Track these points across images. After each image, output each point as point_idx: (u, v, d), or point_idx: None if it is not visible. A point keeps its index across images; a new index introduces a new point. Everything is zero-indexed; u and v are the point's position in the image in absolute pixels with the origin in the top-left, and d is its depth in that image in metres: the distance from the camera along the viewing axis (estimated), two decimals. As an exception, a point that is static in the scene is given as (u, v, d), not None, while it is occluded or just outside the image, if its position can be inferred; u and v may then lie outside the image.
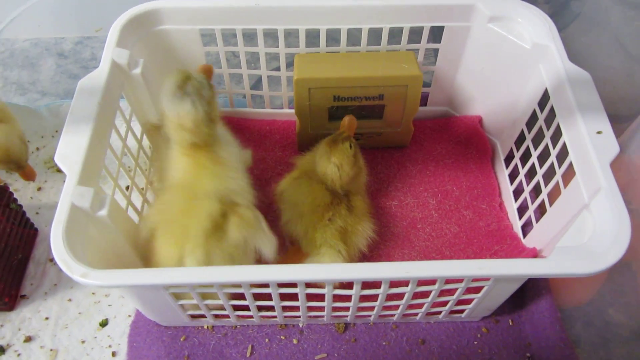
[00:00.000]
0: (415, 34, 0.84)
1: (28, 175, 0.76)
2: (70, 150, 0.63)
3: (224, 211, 0.64)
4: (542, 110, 0.76)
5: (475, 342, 0.75)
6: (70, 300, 0.80)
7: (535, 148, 0.78)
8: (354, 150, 0.76)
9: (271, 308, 0.69)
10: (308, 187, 0.77)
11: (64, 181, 0.90)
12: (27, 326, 0.77)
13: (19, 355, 0.75)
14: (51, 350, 0.75)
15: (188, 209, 0.64)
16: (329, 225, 0.74)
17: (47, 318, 0.78)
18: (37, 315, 0.78)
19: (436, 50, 0.88)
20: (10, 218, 0.77)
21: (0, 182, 0.83)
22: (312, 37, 0.84)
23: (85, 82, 0.69)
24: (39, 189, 0.91)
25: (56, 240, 0.56)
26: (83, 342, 0.76)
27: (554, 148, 0.72)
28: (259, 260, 0.68)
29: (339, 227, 0.75)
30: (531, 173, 0.81)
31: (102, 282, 0.55)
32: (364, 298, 0.67)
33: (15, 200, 0.79)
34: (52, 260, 0.83)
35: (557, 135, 0.71)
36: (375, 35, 0.84)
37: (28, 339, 0.76)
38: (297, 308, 0.69)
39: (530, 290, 0.77)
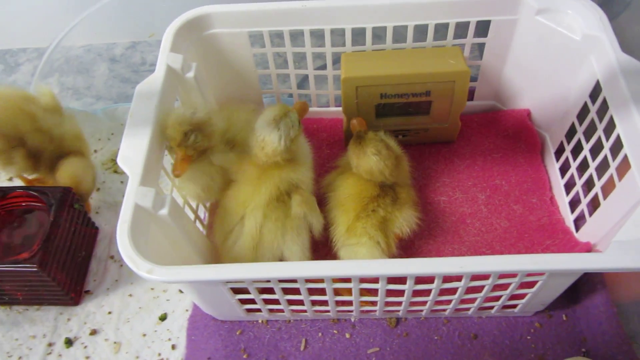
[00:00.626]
0: (461, 29, 0.84)
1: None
2: (131, 152, 0.66)
3: (289, 190, 0.73)
4: (594, 102, 0.75)
5: (529, 337, 0.75)
6: (130, 295, 0.83)
7: (587, 141, 0.77)
8: (381, 137, 0.77)
9: (325, 303, 0.71)
10: (355, 179, 0.78)
11: (121, 182, 0.95)
12: (92, 320, 0.81)
13: (85, 347, 0.79)
14: (115, 342, 0.79)
15: (259, 177, 0.72)
16: (371, 215, 0.75)
17: (110, 312, 0.82)
18: (100, 309, 0.82)
19: (482, 45, 0.87)
20: (74, 218, 0.81)
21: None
22: (358, 35, 0.85)
23: (142, 87, 0.72)
24: (98, 189, 0.95)
25: (122, 239, 0.59)
26: (144, 335, 0.79)
27: (607, 140, 0.71)
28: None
29: (380, 218, 0.75)
30: (583, 166, 0.80)
31: (167, 277, 0.57)
32: (417, 293, 0.67)
33: (77, 200, 0.83)
34: (112, 257, 0.87)
35: (610, 128, 0.70)
36: (420, 31, 0.84)
37: (93, 332, 0.80)
38: (350, 302, 0.71)
39: (585, 285, 0.76)
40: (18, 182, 0.95)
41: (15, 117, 0.79)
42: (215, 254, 0.77)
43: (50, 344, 0.79)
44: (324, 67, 0.91)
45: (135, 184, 0.63)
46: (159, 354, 0.77)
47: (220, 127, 0.79)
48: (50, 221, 0.76)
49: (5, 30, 1.17)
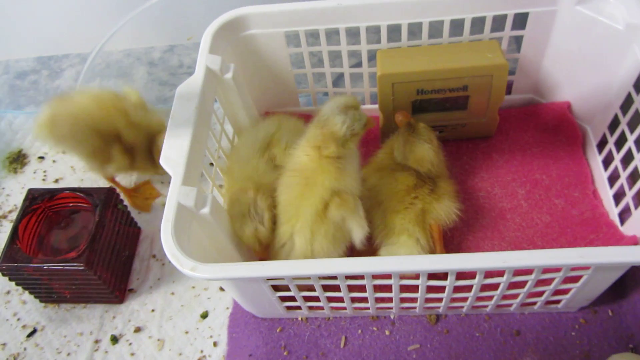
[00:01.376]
0: (498, 22, 0.83)
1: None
2: (173, 152, 0.67)
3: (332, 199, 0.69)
4: (638, 92, 0.73)
5: (573, 334, 0.73)
6: (173, 293, 0.85)
7: (632, 132, 0.75)
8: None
9: (364, 300, 0.71)
10: (389, 174, 0.78)
11: (162, 182, 0.97)
12: (136, 317, 0.83)
13: (130, 344, 0.81)
14: (158, 340, 0.81)
15: (303, 192, 0.69)
16: (410, 208, 0.75)
17: (153, 310, 0.84)
18: (144, 307, 0.84)
19: (520, 37, 0.86)
20: (118, 218, 0.83)
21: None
22: (392, 31, 0.85)
23: (182, 89, 0.73)
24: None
25: (166, 237, 0.60)
26: (187, 332, 0.81)
27: (653, 131, 0.69)
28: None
29: (418, 210, 0.74)
30: (627, 158, 0.78)
31: (209, 275, 0.58)
32: (457, 289, 0.67)
33: (121, 201, 0.85)
34: (154, 256, 0.89)
35: (656, 118, 0.69)
36: (456, 26, 0.83)
37: (137, 330, 0.82)
38: (389, 299, 0.71)
39: (631, 280, 0.74)
40: (65, 184, 0.98)
41: (110, 114, 0.83)
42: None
43: (96, 341, 0.81)
44: (359, 64, 0.91)
45: (178, 183, 0.64)
46: (201, 351, 0.79)
47: (268, 131, 0.81)
48: (96, 221, 0.78)
49: (48, 37, 1.21)
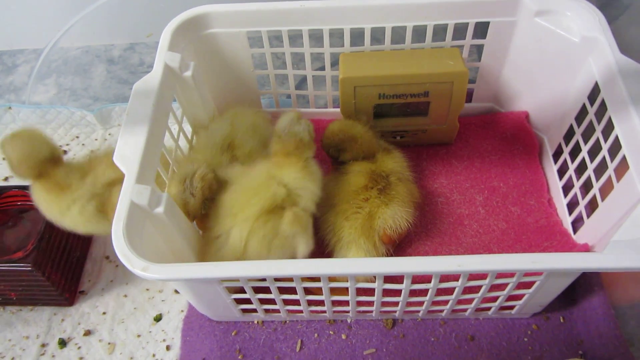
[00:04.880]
0: (460, 31, 0.84)
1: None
2: (128, 150, 0.65)
3: (285, 203, 0.69)
4: (592, 103, 0.75)
5: (526, 339, 0.74)
6: (125, 296, 0.83)
7: (586, 142, 0.77)
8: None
9: (321, 303, 0.70)
10: (344, 175, 0.78)
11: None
12: (86, 320, 0.80)
13: (79, 348, 0.78)
14: (109, 343, 0.78)
15: (256, 187, 0.70)
16: (358, 213, 0.74)
17: (104, 313, 0.81)
18: (95, 310, 0.81)
19: (481, 46, 0.87)
20: (69, 217, 0.81)
21: None
22: (356, 36, 0.85)
23: (140, 85, 0.71)
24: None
25: (117, 236, 0.58)
26: (139, 336, 0.79)
27: (605, 142, 0.71)
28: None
29: (366, 215, 0.74)
30: (581, 168, 0.80)
31: (161, 275, 0.57)
32: (413, 293, 0.67)
33: (73, 200, 0.82)
34: (107, 257, 0.87)
35: (608, 129, 0.70)
36: (419, 32, 0.84)
37: (87, 333, 0.79)
38: (346, 303, 0.70)
39: (582, 287, 0.76)
40: (13, 182, 0.94)
41: None
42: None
43: (43, 345, 0.78)
44: (322, 68, 0.91)
45: (132, 181, 0.62)
46: (154, 355, 0.77)
47: (222, 133, 0.80)
48: (45, 221, 0.75)
49: (2, 31, 1.17)
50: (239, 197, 0.70)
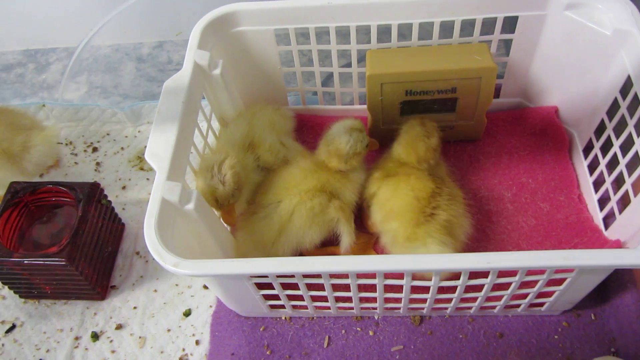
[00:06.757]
0: (488, 25, 0.83)
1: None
2: (158, 147, 0.66)
3: (332, 194, 0.76)
4: (624, 98, 0.74)
5: (556, 337, 0.74)
6: (155, 291, 0.84)
7: (617, 137, 0.76)
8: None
9: (348, 299, 0.71)
10: (405, 183, 0.76)
11: (147, 179, 0.96)
12: (118, 315, 0.82)
13: (111, 341, 0.80)
14: (140, 337, 0.80)
15: (311, 169, 0.77)
16: (431, 220, 0.72)
17: (135, 307, 0.83)
18: (126, 304, 0.83)
19: (509, 41, 0.86)
20: (101, 213, 0.82)
21: None
22: (382, 32, 0.85)
23: (170, 83, 0.72)
24: (124, 187, 0.96)
25: (149, 232, 0.60)
26: (169, 330, 0.80)
27: (638, 137, 0.70)
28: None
29: (443, 222, 0.73)
30: (612, 163, 0.78)
31: (192, 271, 0.58)
32: (442, 290, 0.67)
33: (105, 196, 0.84)
34: (138, 253, 0.88)
35: (641, 124, 0.69)
36: (446, 28, 0.83)
37: (119, 327, 0.81)
38: (373, 299, 0.70)
39: (614, 284, 0.75)
40: (49, 178, 0.97)
41: None
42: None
43: (77, 338, 0.80)
44: (348, 65, 0.91)
45: (163, 178, 0.64)
46: (183, 349, 0.78)
47: (242, 132, 0.81)
48: (79, 216, 0.77)
49: (36, 31, 1.20)
50: (296, 173, 0.77)
